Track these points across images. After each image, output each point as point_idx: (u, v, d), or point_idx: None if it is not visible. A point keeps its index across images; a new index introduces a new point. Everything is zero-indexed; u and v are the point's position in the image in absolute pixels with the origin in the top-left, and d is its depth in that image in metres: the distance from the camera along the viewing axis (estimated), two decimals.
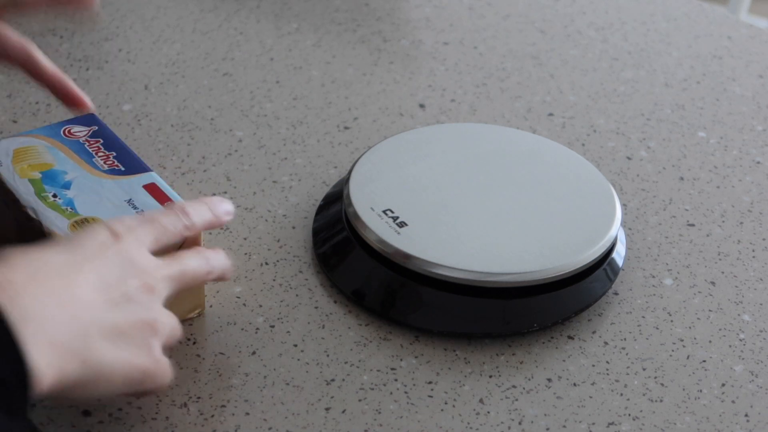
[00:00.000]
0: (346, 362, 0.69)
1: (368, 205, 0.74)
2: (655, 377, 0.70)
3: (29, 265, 0.57)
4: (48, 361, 0.54)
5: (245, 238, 0.77)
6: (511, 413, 0.67)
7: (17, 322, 0.53)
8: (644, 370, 0.70)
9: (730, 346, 0.72)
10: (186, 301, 0.70)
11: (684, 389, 0.69)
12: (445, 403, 0.67)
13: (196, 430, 0.64)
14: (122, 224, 0.61)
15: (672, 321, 0.74)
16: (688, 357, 0.71)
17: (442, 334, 0.71)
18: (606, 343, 0.72)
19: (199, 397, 0.66)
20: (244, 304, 0.72)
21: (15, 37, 0.74)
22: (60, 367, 0.54)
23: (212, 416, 0.65)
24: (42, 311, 0.55)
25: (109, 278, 0.58)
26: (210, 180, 0.83)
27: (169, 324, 0.61)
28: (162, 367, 0.60)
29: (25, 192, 0.69)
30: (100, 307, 0.57)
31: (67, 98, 0.75)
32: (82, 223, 0.67)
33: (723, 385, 0.69)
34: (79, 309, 0.56)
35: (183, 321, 0.68)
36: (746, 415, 0.67)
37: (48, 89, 0.75)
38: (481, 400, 0.67)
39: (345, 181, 0.77)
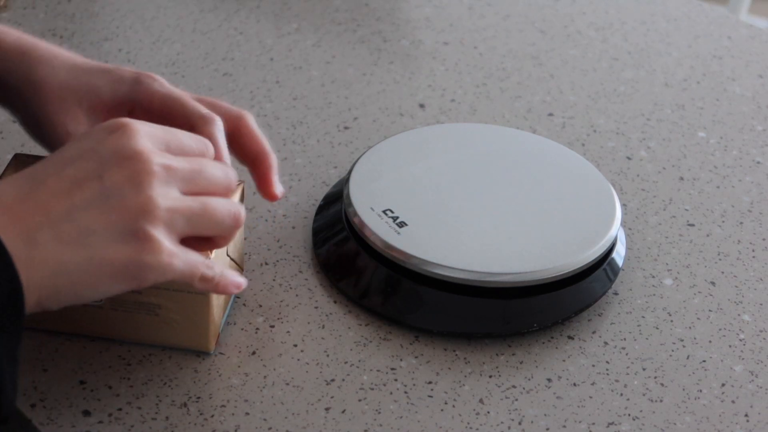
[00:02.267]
0: (346, 362, 0.69)
1: (368, 205, 0.74)
2: (655, 377, 0.70)
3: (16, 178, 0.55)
4: (24, 276, 0.52)
5: (245, 238, 0.77)
6: (511, 413, 0.66)
7: None
8: (644, 370, 0.70)
9: (730, 346, 0.72)
10: None
11: (684, 389, 0.69)
12: (445, 403, 0.67)
13: (196, 430, 0.64)
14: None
15: (672, 321, 0.74)
16: (688, 357, 0.71)
17: (442, 334, 0.71)
18: (606, 343, 0.72)
19: (199, 397, 0.66)
20: (244, 304, 0.72)
21: (232, 108, 0.69)
22: (35, 281, 0.53)
23: (212, 416, 0.65)
24: None
25: (81, 175, 0.55)
26: None
27: (177, 204, 0.56)
28: (164, 254, 0.55)
29: None
30: (55, 209, 0.54)
31: (260, 179, 0.69)
32: None
33: (723, 385, 0.69)
34: (29, 213, 0.54)
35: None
36: (746, 415, 0.67)
37: (247, 165, 0.69)
38: (481, 400, 0.67)
39: (345, 181, 0.77)
